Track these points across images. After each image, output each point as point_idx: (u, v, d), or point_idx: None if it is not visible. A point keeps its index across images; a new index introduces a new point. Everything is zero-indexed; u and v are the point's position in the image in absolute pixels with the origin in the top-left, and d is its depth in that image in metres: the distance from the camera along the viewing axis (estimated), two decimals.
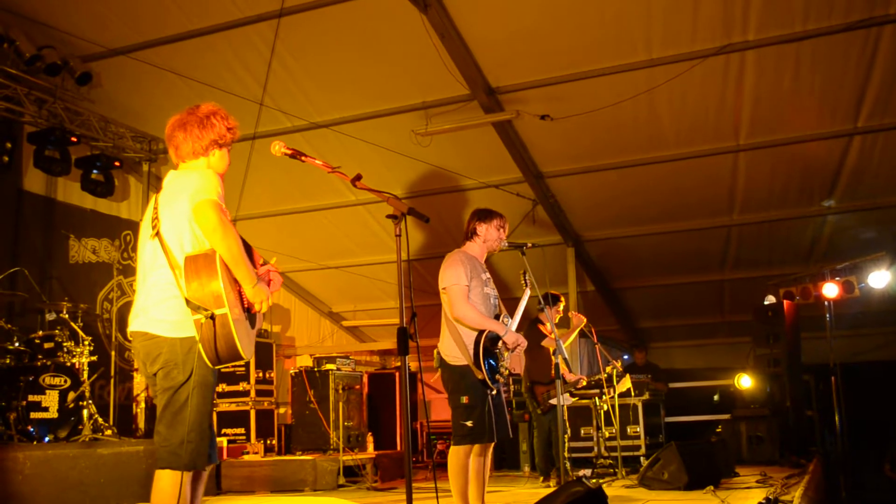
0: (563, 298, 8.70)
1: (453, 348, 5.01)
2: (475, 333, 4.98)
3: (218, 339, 3.27)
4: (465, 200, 10.29)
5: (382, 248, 11.71)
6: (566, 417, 8.70)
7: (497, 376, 4.99)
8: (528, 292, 5.52)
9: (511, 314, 5.29)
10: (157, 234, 3.45)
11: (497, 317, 5.14)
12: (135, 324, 3.48)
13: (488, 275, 5.25)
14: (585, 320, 8.44)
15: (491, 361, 4.98)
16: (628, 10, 7.73)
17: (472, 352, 4.93)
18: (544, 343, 8.44)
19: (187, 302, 3.29)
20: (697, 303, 13.27)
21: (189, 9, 8.05)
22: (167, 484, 3.34)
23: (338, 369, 9.83)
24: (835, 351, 11.02)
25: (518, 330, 5.26)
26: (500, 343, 5.04)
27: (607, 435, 9.45)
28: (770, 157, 9.49)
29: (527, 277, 5.55)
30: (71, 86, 8.83)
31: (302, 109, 9.19)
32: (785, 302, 11.13)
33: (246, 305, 3.47)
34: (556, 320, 8.53)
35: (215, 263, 3.29)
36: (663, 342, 14.73)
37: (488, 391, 4.96)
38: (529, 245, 5.63)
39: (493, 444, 5.11)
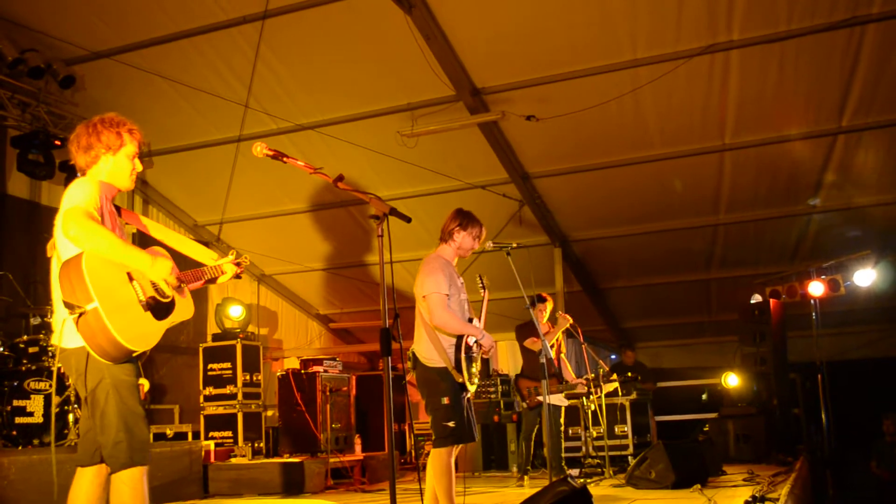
0: (549, 299, 8.71)
1: (431, 351, 5.04)
2: (454, 338, 5.03)
3: (96, 334, 3.29)
4: (452, 202, 10.26)
5: (369, 249, 11.70)
6: (562, 419, 8.70)
7: (473, 378, 5.04)
8: (486, 295, 5.58)
9: (478, 317, 5.34)
10: (54, 247, 3.51)
11: (470, 320, 5.19)
12: (52, 338, 3.55)
13: (462, 279, 5.29)
14: (571, 320, 8.47)
15: (467, 365, 5.02)
16: (613, 10, 7.74)
17: (452, 356, 4.99)
18: (526, 343, 8.47)
19: (64, 304, 3.33)
20: (684, 302, 13.30)
21: (173, 11, 8.01)
22: (115, 486, 3.44)
23: (325, 371, 9.82)
24: (821, 349, 11.08)
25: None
26: (475, 346, 5.10)
27: (595, 434, 9.46)
28: (755, 157, 9.52)
29: (483, 281, 5.61)
30: (54, 89, 8.79)
31: (287, 111, 9.16)
32: (771, 301, 11.18)
33: (148, 295, 3.47)
34: (544, 320, 8.55)
35: (80, 263, 3.31)
36: (650, 342, 14.75)
37: (464, 393, 5.02)
38: (514, 245, 5.66)
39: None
